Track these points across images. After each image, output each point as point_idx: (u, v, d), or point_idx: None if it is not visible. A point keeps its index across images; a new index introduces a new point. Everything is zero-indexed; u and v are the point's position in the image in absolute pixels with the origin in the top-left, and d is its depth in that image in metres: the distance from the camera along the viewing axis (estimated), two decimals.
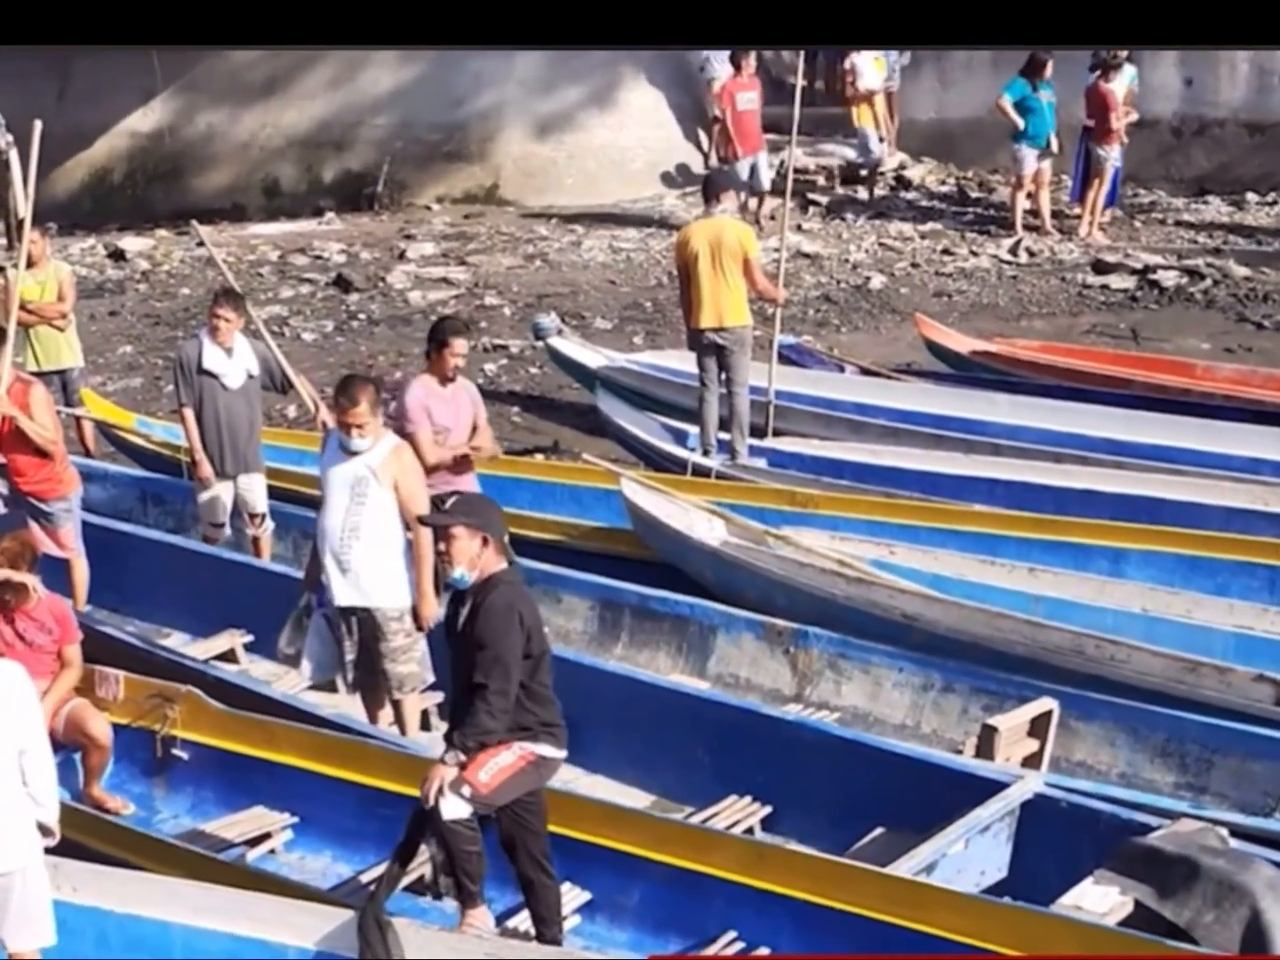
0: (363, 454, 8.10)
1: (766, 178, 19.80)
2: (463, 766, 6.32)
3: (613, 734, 7.87)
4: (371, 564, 8.13)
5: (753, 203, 19.99)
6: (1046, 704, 8.06)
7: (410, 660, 8.24)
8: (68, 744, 8.05)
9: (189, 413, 10.26)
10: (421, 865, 6.78)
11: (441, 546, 6.58)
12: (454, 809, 6.28)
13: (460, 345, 9.43)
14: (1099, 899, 6.42)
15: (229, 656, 9.64)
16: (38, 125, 9.49)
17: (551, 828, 6.74)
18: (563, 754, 6.67)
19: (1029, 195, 19.90)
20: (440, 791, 6.26)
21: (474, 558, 6.49)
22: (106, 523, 10.78)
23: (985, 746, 7.77)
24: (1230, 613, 9.30)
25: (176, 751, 8.16)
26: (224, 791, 8.04)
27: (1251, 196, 20.42)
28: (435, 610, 8.13)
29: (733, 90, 19.40)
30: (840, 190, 22.19)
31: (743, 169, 19.27)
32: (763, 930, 6.70)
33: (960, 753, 7.97)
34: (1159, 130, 19.96)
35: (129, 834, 7.41)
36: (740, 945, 6.74)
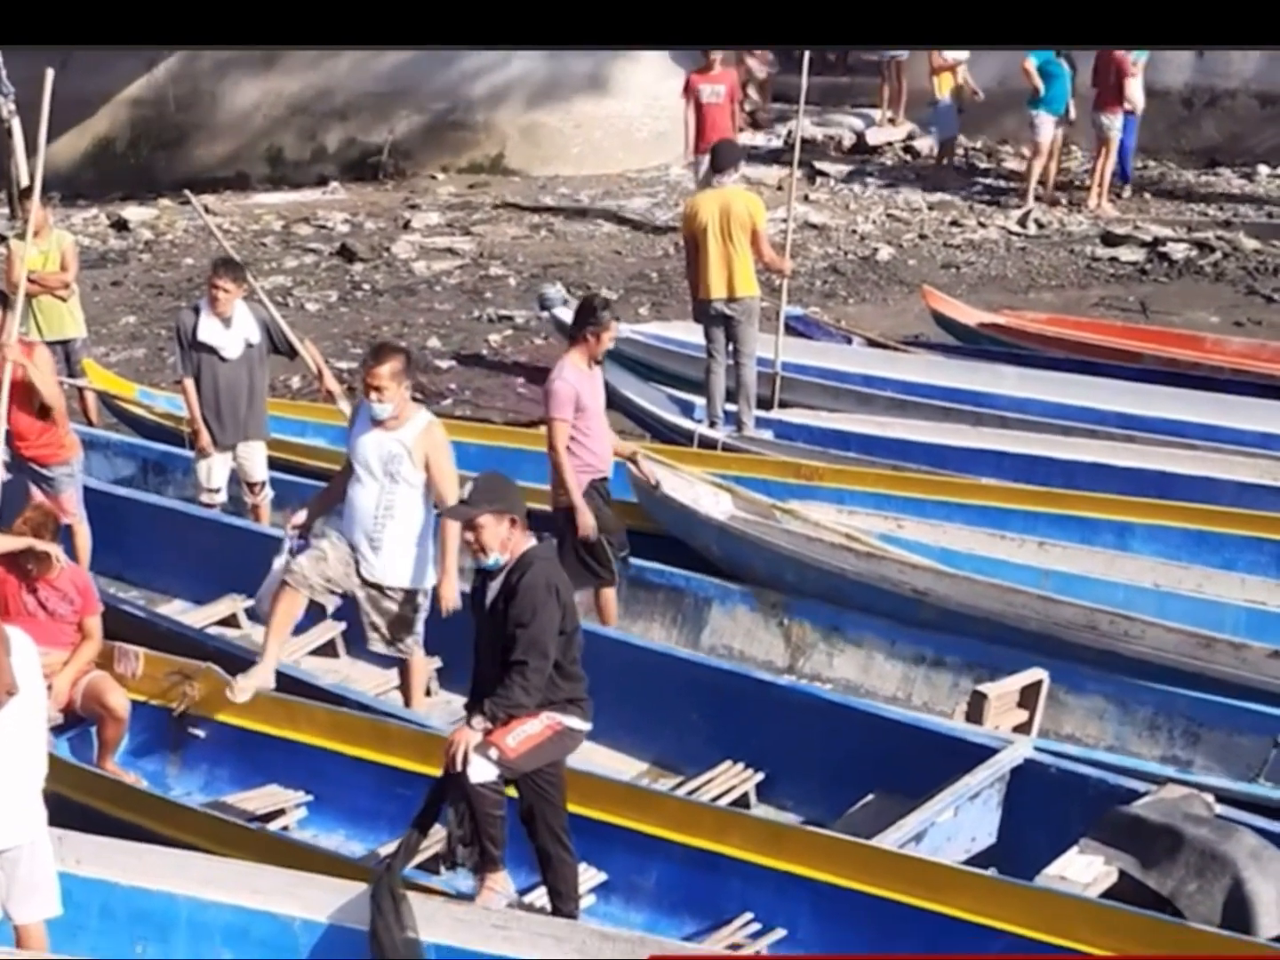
0: (394, 430, 8.07)
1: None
2: (488, 732, 6.35)
3: (608, 699, 7.80)
4: (403, 544, 8.12)
5: None
6: (1036, 674, 8.05)
7: (412, 629, 8.26)
8: (85, 715, 8.05)
9: (189, 383, 10.26)
10: (437, 841, 6.74)
11: (470, 536, 6.58)
12: (481, 771, 6.33)
13: (616, 329, 9.39)
14: (1084, 869, 6.47)
15: (230, 622, 9.63)
16: (49, 73, 9.29)
17: (569, 807, 6.74)
18: (588, 727, 6.73)
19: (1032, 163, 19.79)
20: (466, 755, 6.30)
21: (504, 540, 6.55)
22: (108, 488, 10.76)
23: (974, 713, 7.78)
24: (1242, 587, 9.30)
25: (193, 729, 8.13)
26: (239, 769, 8.01)
27: (1263, 169, 20.35)
28: (457, 591, 8.15)
29: (696, 83, 17.88)
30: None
31: (706, 166, 15.87)
32: (780, 912, 6.67)
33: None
34: (1170, 101, 19.89)
35: (146, 799, 7.40)
36: (757, 927, 6.71)
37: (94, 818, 7.07)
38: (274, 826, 7.56)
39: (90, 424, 12.52)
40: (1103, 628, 8.44)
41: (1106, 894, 6.38)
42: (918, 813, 6.88)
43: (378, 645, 8.26)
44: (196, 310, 10.28)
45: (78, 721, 8.07)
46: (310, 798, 7.77)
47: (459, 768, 6.32)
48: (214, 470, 10.40)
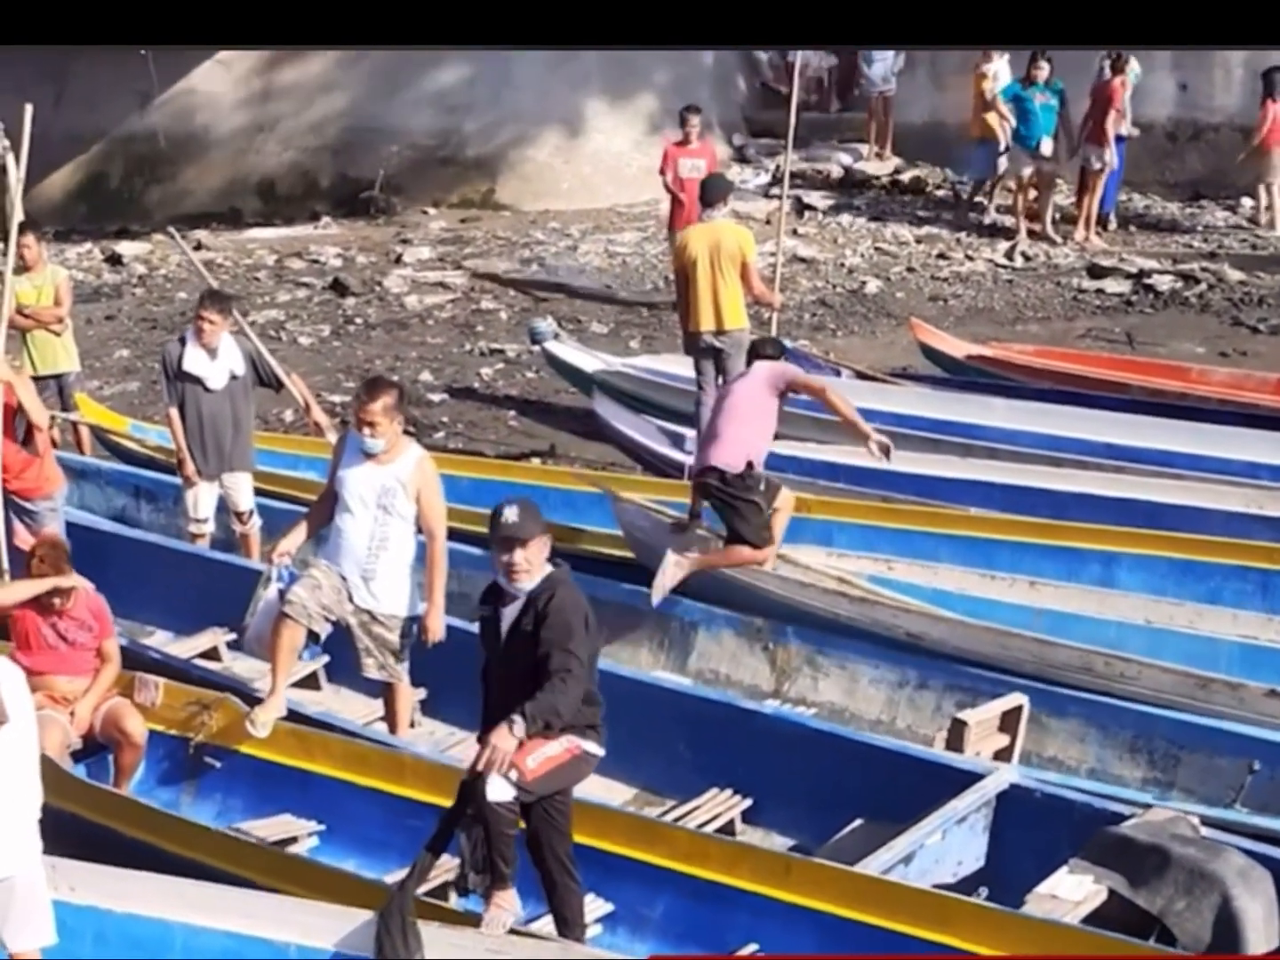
0: (388, 463, 8.15)
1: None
2: (521, 742, 6.36)
3: None
4: (395, 574, 8.22)
5: None
6: (1017, 699, 8.08)
7: (401, 656, 8.32)
8: (104, 741, 8.11)
9: (174, 413, 10.39)
10: (447, 870, 6.80)
11: (520, 556, 6.53)
12: (499, 791, 6.34)
13: None
14: (1074, 888, 6.53)
15: (212, 655, 9.65)
16: (28, 109, 9.36)
17: (577, 838, 6.77)
18: (602, 752, 6.73)
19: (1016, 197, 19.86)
20: (492, 764, 6.28)
21: (541, 564, 6.61)
22: (90, 521, 10.77)
23: (955, 741, 7.80)
24: (1234, 623, 9.28)
25: (209, 759, 8.17)
26: (253, 799, 8.04)
27: (1246, 201, 20.44)
28: (444, 622, 8.29)
29: (674, 155, 16.48)
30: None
31: None
32: (786, 943, 6.68)
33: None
34: (1154, 135, 19.98)
35: (163, 819, 7.44)
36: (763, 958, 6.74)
37: (111, 838, 7.20)
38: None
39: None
40: (1098, 669, 8.42)
41: (1095, 913, 6.44)
42: (907, 835, 6.94)
43: (371, 670, 8.33)
44: (183, 341, 10.38)
45: (97, 748, 8.14)
46: (322, 827, 7.81)
47: (491, 770, 6.28)
48: (200, 500, 10.48)
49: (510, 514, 6.61)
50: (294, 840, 7.68)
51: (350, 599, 8.20)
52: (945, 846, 7.05)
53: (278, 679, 8.11)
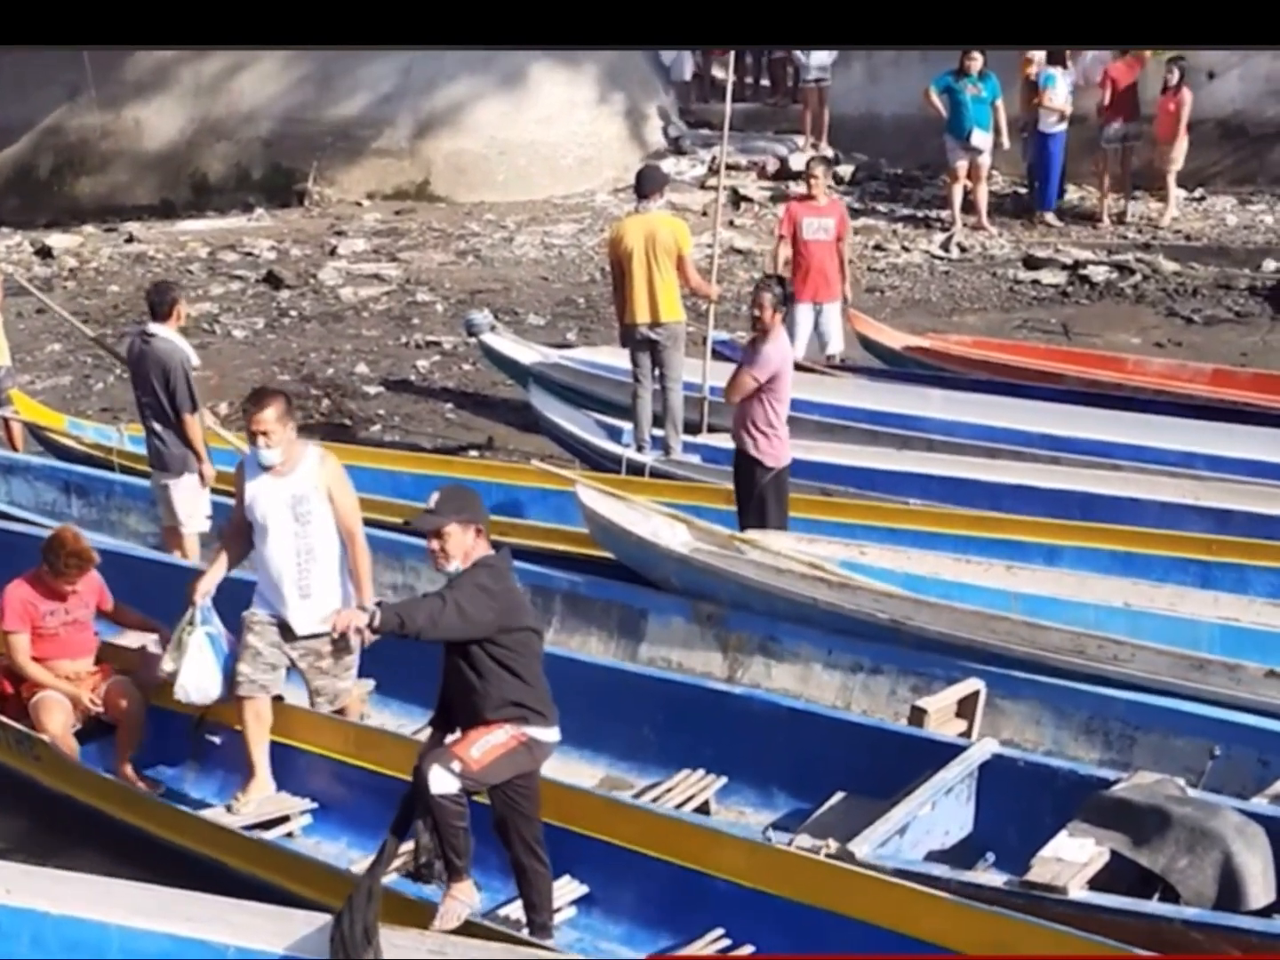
0: (290, 472, 7.90)
1: (837, 337, 14.40)
2: (454, 745, 6.43)
3: (561, 716, 7.90)
4: (330, 584, 7.98)
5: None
6: (973, 684, 8.08)
7: (349, 674, 8.19)
8: (106, 719, 8.27)
9: (198, 418, 10.11)
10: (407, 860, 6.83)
11: (435, 545, 6.60)
12: (442, 783, 6.33)
13: None
14: (1077, 850, 6.57)
15: None
16: None
17: (554, 821, 6.80)
18: (555, 736, 6.74)
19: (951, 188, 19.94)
20: (336, 628, 6.58)
21: (468, 550, 6.62)
22: (7, 526, 10.52)
23: (915, 726, 7.80)
24: (1215, 605, 9.18)
25: (211, 736, 8.32)
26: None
27: (1180, 192, 20.58)
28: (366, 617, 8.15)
29: (798, 214, 14.06)
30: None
31: (803, 319, 14.05)
32: (749, 929, 6.70)
33: None
34: (1087, 127, 20.08)
35: (156, 807, 7.63)
36: (726, 943, 6.73)
37: (102, 821, 7.57)
38: (279, 832, 7.71)
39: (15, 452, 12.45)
40: (1091, 652, 8.34)
41: (1098, 874, 6.49)
42: (901, 807, 6.98)
43: (323, 707, 8.15)
44: (180, 345, 10.05)
45: (99, 726, 8.32)
46: (315, 806, 7.92)
47: (430, 766, 6.33)
48: (207, 496, 10.26)
49: (430, 503, 6.68)
50: (287, 818, 7.81)
51: (294, 637, 7.95)
52: (935, 817, 7.11)
53: (255, 758, 7.92)
